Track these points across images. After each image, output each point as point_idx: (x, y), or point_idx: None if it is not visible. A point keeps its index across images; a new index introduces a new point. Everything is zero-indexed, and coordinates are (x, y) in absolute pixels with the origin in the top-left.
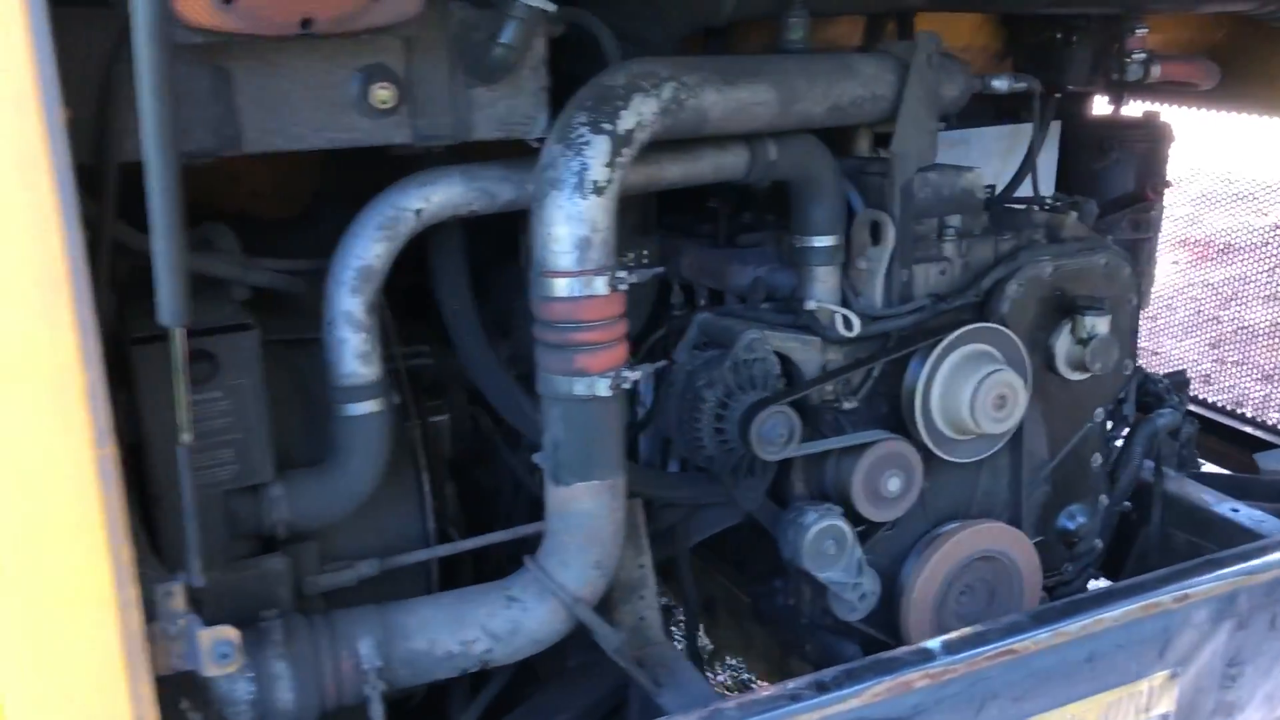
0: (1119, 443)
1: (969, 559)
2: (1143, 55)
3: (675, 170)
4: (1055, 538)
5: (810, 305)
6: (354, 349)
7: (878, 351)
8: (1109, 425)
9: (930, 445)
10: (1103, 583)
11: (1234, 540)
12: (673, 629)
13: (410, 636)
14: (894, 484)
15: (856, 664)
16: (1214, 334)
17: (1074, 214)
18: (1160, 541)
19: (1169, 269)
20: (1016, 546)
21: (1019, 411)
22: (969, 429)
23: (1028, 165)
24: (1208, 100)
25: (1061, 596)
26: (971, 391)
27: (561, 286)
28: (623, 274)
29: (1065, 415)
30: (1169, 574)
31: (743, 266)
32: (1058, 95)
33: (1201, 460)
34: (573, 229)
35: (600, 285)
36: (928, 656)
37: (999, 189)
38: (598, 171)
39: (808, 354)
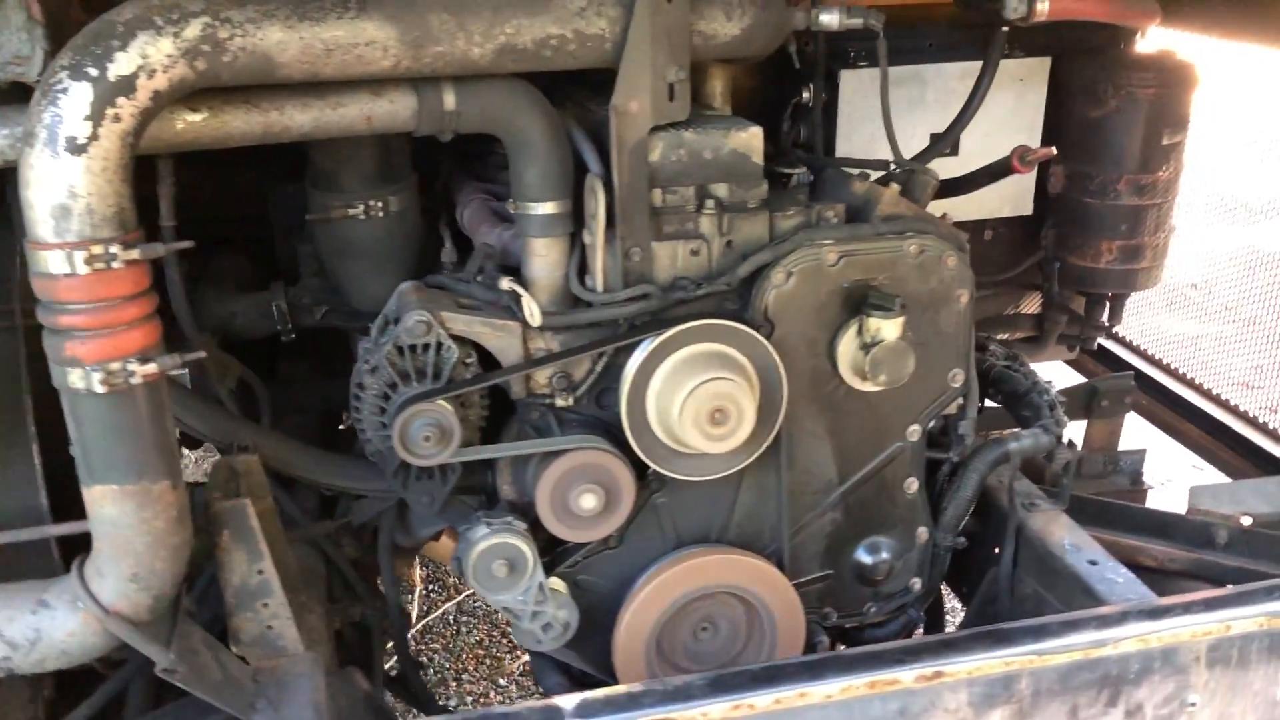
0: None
1: (696, 592)
2: None
3: (303, 119)
4: (850, 574)
5: (504, 284)
6: None
7: (598, 343)
8: (953, 446)
9: (645, 458)
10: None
11: (1075, 600)
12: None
13: None
14: (588, 500)
15: (469, 713)
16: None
17: (895, 187)
18: (1010, 587)
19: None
20: (761, 581)
21: (744, 429)
22: (684, 444)
23: (968, 114)
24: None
25: (870, 642)
26: (681, 401)
27: (43, 261)
28: (119, 250)
29: (863, 432)
30: (925, 644)
31: (492, 228)
32: (1004, 28)
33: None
34: (46, 194)
35: (81, 262)
36: (554, 716)
37: None
38: (74, 126)
39: (505, 341)
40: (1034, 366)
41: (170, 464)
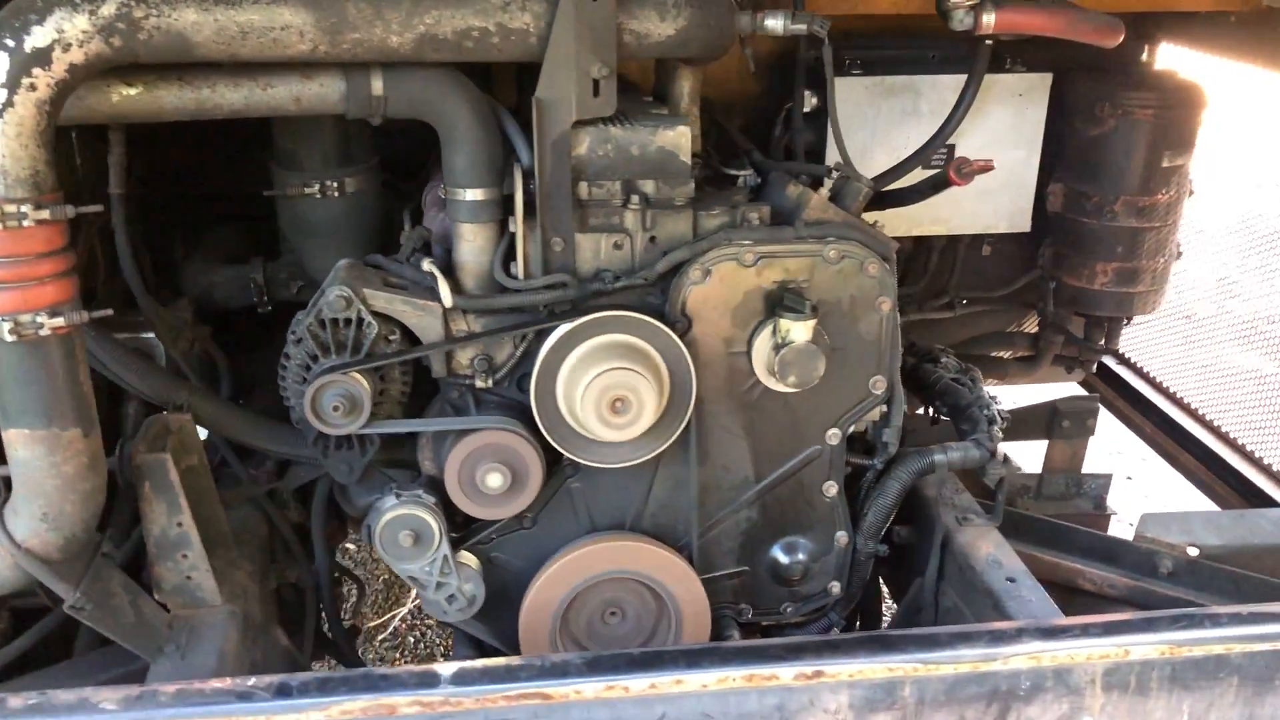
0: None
1: (599, 576)
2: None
3: (234, 97)
4: (766, 572)
5: (425, 265)
6: None
7: (509, 327)
8: (877, 453)
9: (553, 442)
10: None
11: (985, 616)
12: None
13: None
14: (494, 479)
15: (337, 675)
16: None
17: (824, 192)
18: (934, 598)
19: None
20: (665, 571)
21: (645, 419)
22: (588, 430)
23: (949, 128)
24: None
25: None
26: (583, 388)
27: None
28: (30, 210)
29: (780, 432)
30: (808, 643)
31: (439, 212)
32: (986, 41)
33: None
34: None
35: None
36: (430, 681)
37: None
38: None
39: (425, 320)
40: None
41: (82, 413)
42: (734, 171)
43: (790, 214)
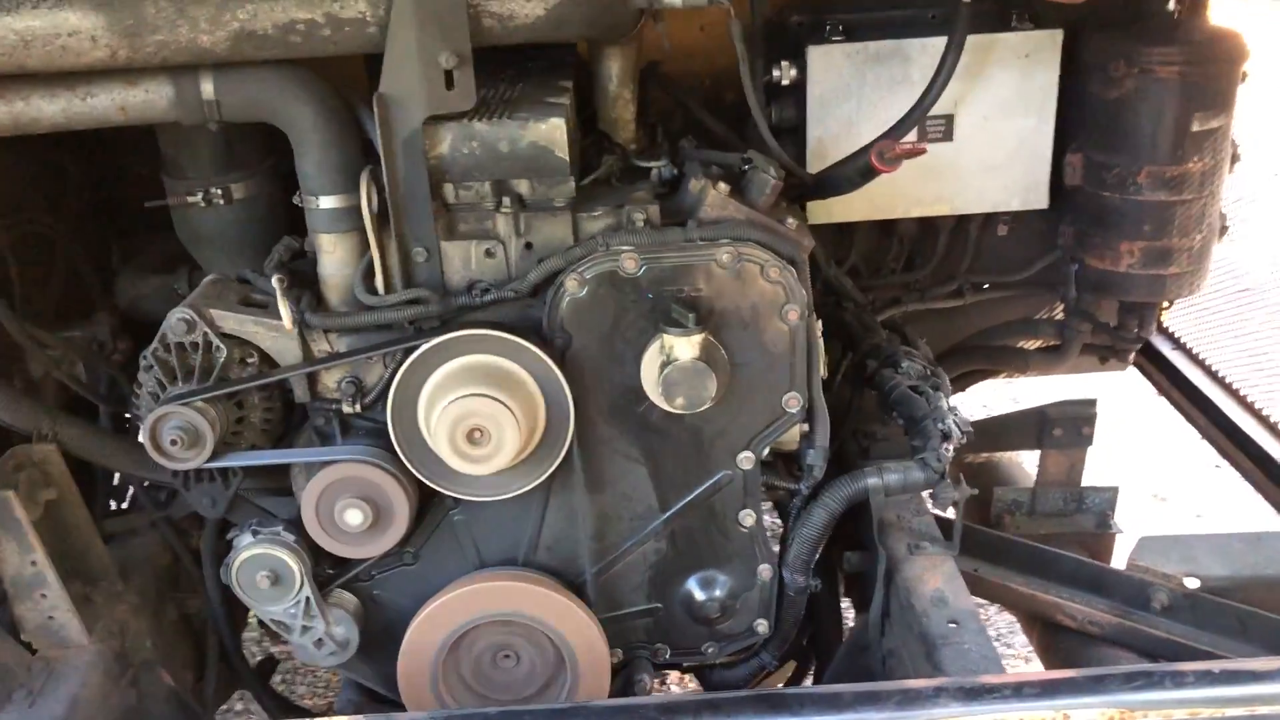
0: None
1: (478, 618)
2: None
3: (52, 109)
4: (681, 609)
5: (273, 281)
6: None
7: (363, 349)
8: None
9: (418, 474)
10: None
11: (918, 665)
12: None
13: None
14: (354, 516)
15: None
16: None
17: (723, 187)
18: (879, 636)
19: None
20: (552, 612)
21: (506, 450)
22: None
23: (925, 100)
24: None
25: (719, 685)
26: (435, 417)
27: None
28: None
29: (684, 457)
30: (686, 702)
31: None
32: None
33: None
34: None
35: None
36: None
37: None
38: None
39: (280, 343)
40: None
41: None
42: (646, 163)
43: (690, 212)
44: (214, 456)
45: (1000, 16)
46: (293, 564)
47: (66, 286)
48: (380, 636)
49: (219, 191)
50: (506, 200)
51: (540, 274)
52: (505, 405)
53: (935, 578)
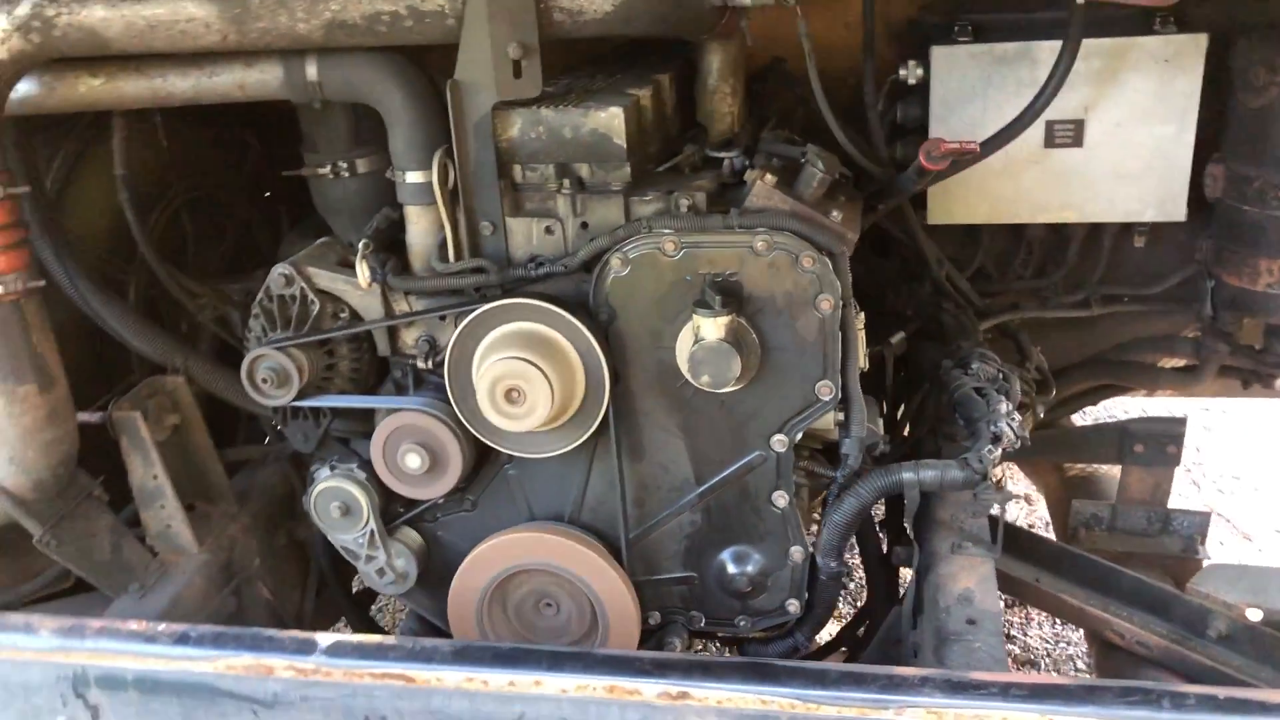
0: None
1: (517, 565)
2: None
3: (184, 85)
4: (714, 580)
5: (360, 245)
6: None
7: (428, 310)
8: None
9: (470, 427)
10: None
11: (926, 659)
12: None
13: None
14: (412, 460)
15: (232, 631)
16: None
17: (769, 178)
18: (911, 629)
19: None
20: (585, 567)
21: (540, 411)
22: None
23: (1036, 104)
24: None
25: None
26: (479, 376)
27: None
28: None
29: (719, 435)
30: (679, 661)
31: None
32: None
33: None
34: None
35: None
36: (307, 649)
37: None
38: None
39: (365, 300)
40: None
41: (38, 372)
42: (720, 154)
43: (720, 200)
44: (300, 397)
45: (1143, 19)
46: (361, 498)
47: (238, 245)
48: (441, 573)
49: (345, 165)
50: (567, 182)
51: (589, 252)
52: (540, 369)
53: (969, 578)
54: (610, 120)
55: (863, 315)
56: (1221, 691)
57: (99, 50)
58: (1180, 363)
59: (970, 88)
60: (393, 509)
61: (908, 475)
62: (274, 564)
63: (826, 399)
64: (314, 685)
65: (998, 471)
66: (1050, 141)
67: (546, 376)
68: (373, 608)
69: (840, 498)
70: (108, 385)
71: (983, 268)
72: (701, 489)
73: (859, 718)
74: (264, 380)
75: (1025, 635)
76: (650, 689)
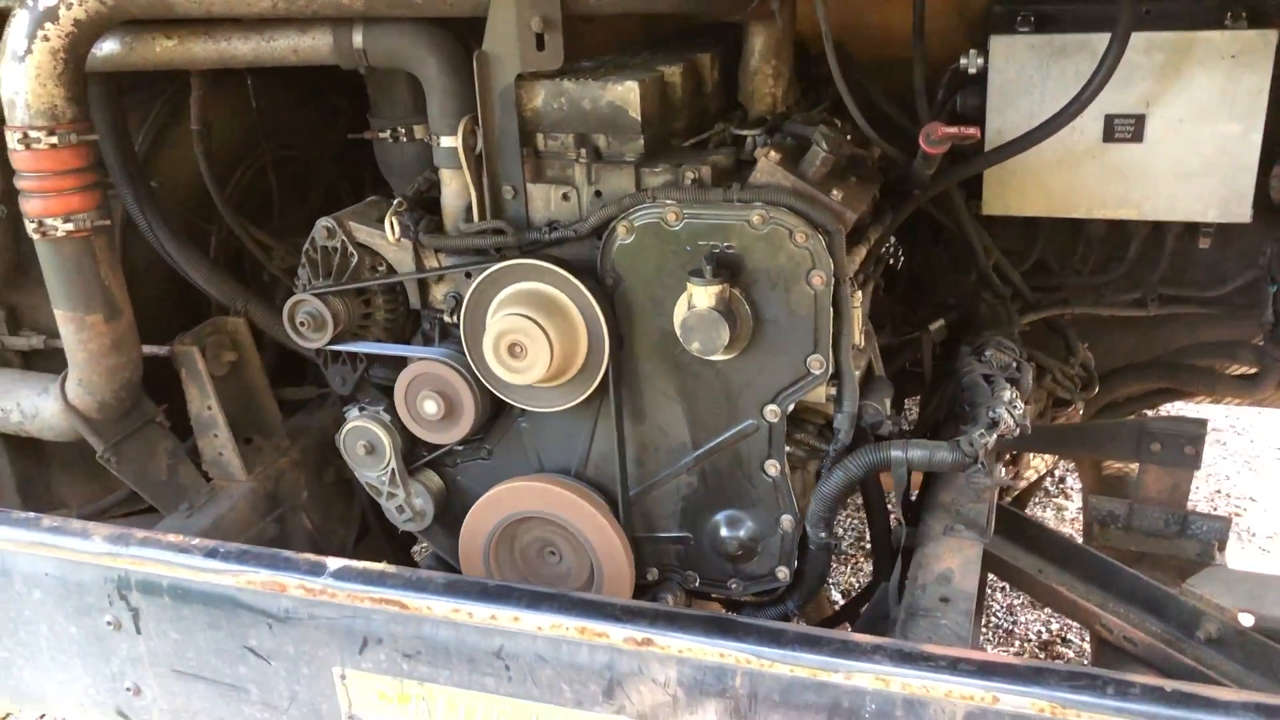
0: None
1: (521, 512)
2: None
3: (245, 48)
4: (708, 542)
5: (395, 203)
6: None
7: (449, 267)
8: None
9: (482, 378)
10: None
11: (896, 631)
12: None
13: None
14: (429, 406)
15: (255, 550)
16: None
17: (774, 155)
18: (897, 605)
19: None
20: (582, 518)
21: (539, 367)
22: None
23: (1082, 96)
24: None
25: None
26: (486, 330)
27: (7, 138)
28: (43, 135)
29: (714, 402)
30: (646, 609)
31: None
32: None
33: None
34: (4, 91)
35: (16, 141)
36: (318, 570)
37: None
38: (18, 43)
39: (398, 255)
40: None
41: (105, 303)
42: (744, 132)
43: (725, 175)
44: (335, 342)
45: (1213, 13)
46: (384, 438)
47: (325, 203)
48: (460, 516)
49: (403, 130)
50: (584, 151)
51: (598, 219)
52: (542, 327)
53: (953, 559)
54: (626, 94)
55: (860, 294)
56: (1169, 684)
57: (165, 13)
58: (1242, 370)
59: (1028, 79)
60: (417, 452)
61: (895, 454)
62: (321, 498)
63: (817, 373)
64: (320, 605)
65: (1034, 461)
66: (1109, 136)
67: (547, 334)
68: (415, 548)
69: (830, 471)
70: (195, 321)
71: (1043, 261)
72: (697, 453)
73: (810, 678)
74: (302, 324)
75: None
76: (618, 633)
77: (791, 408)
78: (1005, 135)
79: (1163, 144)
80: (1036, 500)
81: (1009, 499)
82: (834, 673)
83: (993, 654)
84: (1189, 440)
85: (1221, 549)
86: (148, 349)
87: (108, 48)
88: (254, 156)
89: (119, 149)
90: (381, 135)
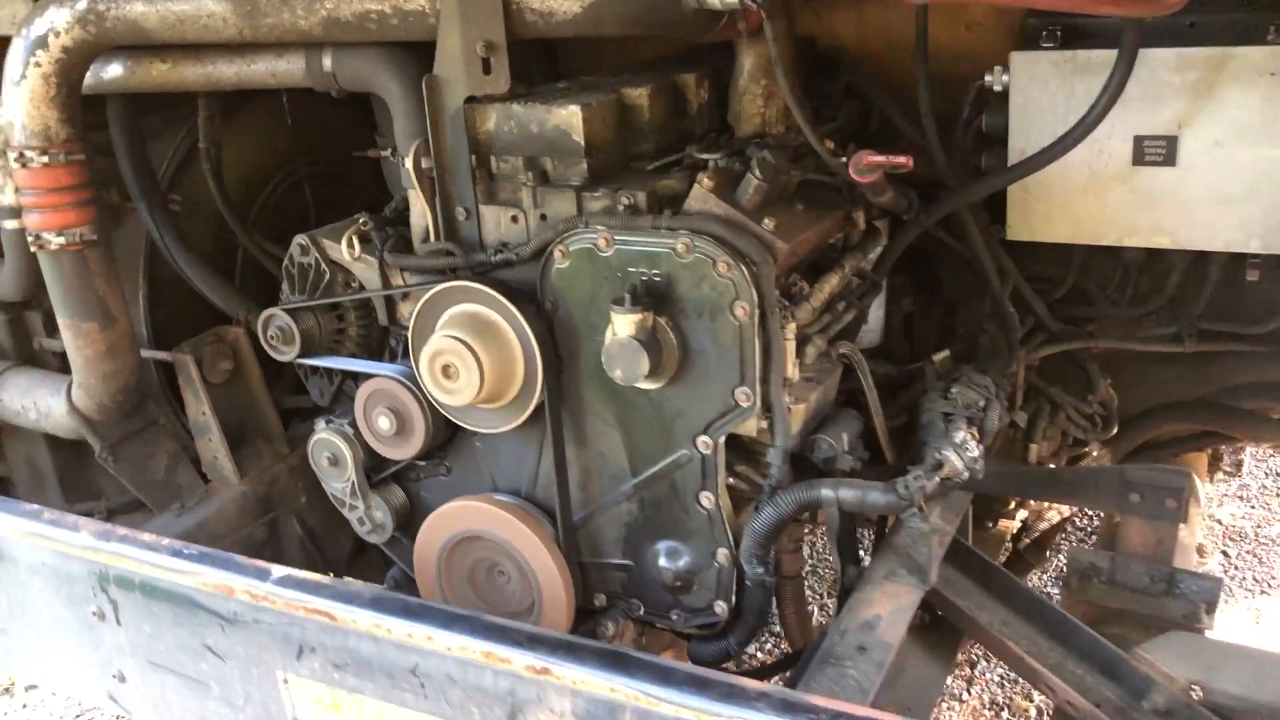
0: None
1: (465, 532)
2: None
3: (229, 71)
4: (649, 572)
5: (360, 221)
6: None
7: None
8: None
9: (431, 398)
10: None
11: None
12: None
13: None
14: (383, 422)
15: (213, 553)
16: None
17: (707, 182)
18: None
19: None
20: (521, 540)
21: (470, 389)
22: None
23: (1092, 116)
24: None
25: (693, 661)
26: (423, 350)
27: (8, 156)
28: (35, 155)
29: (650, 430)
30: (549, 638)
31: None
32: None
33: None
34: (5, 112)
35: (13, 160)
36: (262, 576)
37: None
38: (14, 69)
39: (368, 274)
40: None
41: (100, 312)
42: (705, 156)
43: (661, 201)
44: (305, 356)
45: (1254, 27)
46: (347, 451)
47: None
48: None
49: None
50: (530, 174)
51: (538, 242)
52: (471, 349)
53: (885, 605)
54: (570, 118)
55: (793, 326)
56: None
57: (144, 40)
58: None
59: (1051, 96)
60: (383, 467)
61: (825, 493)
62: (319, 506)
63: (744, 405)
64: (264, 610)
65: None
66: (1139, 159)
67: (477, 357)
68: None
69: (762, 508)
70: None
71: (1082, 288)
72: (635, 480)
73: (603, 699)
74: (273, 337)
75: None
76: (520, 660)
77: (723, 439)
78: (1028, 155)
79: (1197, 168)
80: (1063, 538)
81: (1026, 541)
82: (716, 717)
83: (875, 712)
84: (1170, 493)
85: (1210, 612)
86: (153, 355)
87: (112, 71)
88: (287, 171)
89: (135, 166)
90: (384, 154)
